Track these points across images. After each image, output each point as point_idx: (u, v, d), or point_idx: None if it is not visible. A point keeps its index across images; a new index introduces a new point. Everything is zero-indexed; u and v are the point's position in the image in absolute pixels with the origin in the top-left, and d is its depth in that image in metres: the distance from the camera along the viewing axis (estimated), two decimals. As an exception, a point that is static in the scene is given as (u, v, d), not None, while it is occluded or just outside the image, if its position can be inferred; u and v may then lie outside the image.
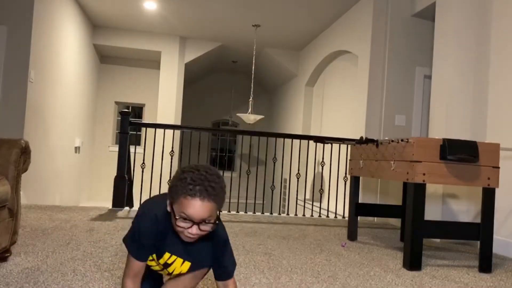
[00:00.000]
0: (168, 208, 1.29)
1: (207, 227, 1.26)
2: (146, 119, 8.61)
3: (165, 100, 7.70)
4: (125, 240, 1.38)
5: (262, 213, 4.81)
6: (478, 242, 2.63)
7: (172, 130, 4.96)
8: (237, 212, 4.75)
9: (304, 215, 4.86)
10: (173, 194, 1.25)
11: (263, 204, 9.33)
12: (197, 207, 1.21)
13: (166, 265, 1.40)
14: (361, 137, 3.33)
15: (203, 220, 1.24)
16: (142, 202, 1.36)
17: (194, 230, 1.24)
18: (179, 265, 1.40)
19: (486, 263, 2.57)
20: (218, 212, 1.29)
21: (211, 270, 1.46)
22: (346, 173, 4.68)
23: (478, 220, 2.66)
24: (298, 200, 7.32)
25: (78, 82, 6.82)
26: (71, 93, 6.45)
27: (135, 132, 7.92)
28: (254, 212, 4.81)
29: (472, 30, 3.67)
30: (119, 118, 4.73)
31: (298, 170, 4.90)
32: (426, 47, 4.98)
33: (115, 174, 4.38)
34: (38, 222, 3.24)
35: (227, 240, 1.43)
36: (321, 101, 7.52)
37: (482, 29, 3.63)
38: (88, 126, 7.79)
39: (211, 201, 1.22)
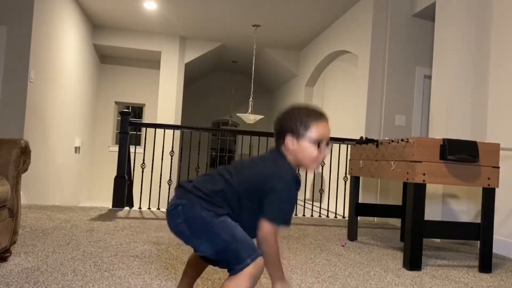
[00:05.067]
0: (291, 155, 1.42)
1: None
2: (146, 119, 8.61)
3: (165, 100, 7.70)
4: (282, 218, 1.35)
5: (262, 213, 4.80)
6: (478, 242, 2.63)
7: (172, 130, 4.96)
8: (237, 212, 4.74)
9: (304, 215, 4.86)
10: (304, 127, 1.38)
11: (263, 204, 9.31)
12: (328, 127, 1.42)
13: None
14: (361, 137, 3.33)
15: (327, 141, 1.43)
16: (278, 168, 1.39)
17: (326, 148, 1.42)
18: None
19: (486, 263, 2.57)
20: None
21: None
22: (346, 173, 4.68)
23: (478, 220, 2.66)
24: (298, 200, 7.31)
25: (78, 82, 6.82)
26: (71, 93, 6.45)
27: (135, 132, 7.93)
28: (254, 212, 4.81)
29: (472, 29, 3.67)
30: (119, 118, 4.73)
31: (298, 170, 4.90)
32: (426, 47, 4.98)
33: (115, 174, 4.38)
34: (38, 222, 3.24)
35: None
36: (321, 101, 7.52)
37: (482, 29, 3.63)
38: (88, 126, 7.79)
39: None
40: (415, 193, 2.51)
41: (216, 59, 9.26)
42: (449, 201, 3.71)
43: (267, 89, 11.01)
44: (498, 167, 2.59)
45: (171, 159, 4.66)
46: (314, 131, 1.37)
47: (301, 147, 1.38)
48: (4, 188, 1.97)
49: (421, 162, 2.49)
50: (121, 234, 2.96)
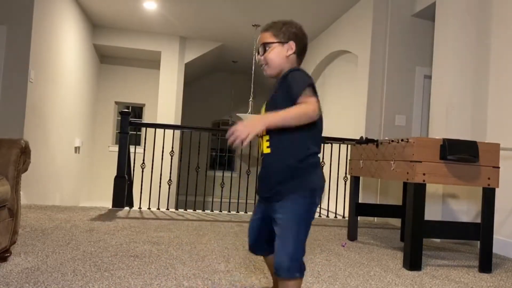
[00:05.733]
0: None
1: (267, 50, 1.55)
2: (146, 119, 8.61)
3: (165, 100, 7.70)
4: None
5: (262, 213, 4.81)
6: (478, 242, 2.63)
7: (172, 130, 4.96)
8: (237, 212, 4.74)
9: (304, 215, 4.85)
10: None
11: (263, 204, 9.32)
12: (258, 38, 1.58)
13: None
14: (361, 137, 3.33)
15: (262, 45, 1.56)
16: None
17: (258, 55, 1.58)
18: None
19: (486, 263, 2.57)
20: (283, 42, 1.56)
21: None
22: (346, 173, 4.68)
23: (478, 220, 2.66)
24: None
25: (78, 82, 6.82)
26: (71, 93, 6.45)
27: (135, 132, 7.93)
28: (254, 212, 4.81)
29: (472, 30, 3.67)
30: (119, 118, 4.73)
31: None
32: (426, 47, 4.98)
33: (115, 174, 4.38)
34: (38, 222, 3.24)
35: (295, 72, 1.52)
36: (321, 101, 7.48)
37: (482, 29, 3.64)
38: (88, 126, 7.79)
39: (264, 30, 1.57)
40: (415, 193, 2.51)
41: (216, 59, 9.26)
42: (449, 201, 3.71)
43: (267, 89, 11.01)
44: (498, 167, 2.59)
45: (171, 159, 4.66)
46: None
47: None
48: (4, 188, 1.97)
49: (421, 162, 2.49)
50: (121, 234, 2.96)
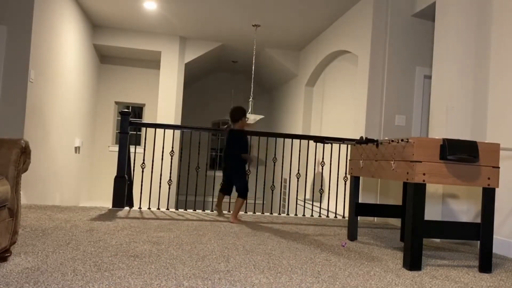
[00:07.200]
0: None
1: None
2: (146, 119, 8.61)
3: (165, 100, 7.70)
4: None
5: (262, 213, 4.81)
6: (478, 242, 2.63)
7: (172, 130, 4.96)
8: (237, 212, 4.74)
9: (304, 215, 4.86)
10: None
11: (263, 204, 9.34)
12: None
13: None
14: (361, 137, 3.33)
15: None
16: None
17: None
18: None
19: (486, 263, 2.57)
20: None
21: None
22: (346, 173, 4.68)
23: (478, 220, 2.66)
24: (298, 200, 7.32)
25: (78, 82, 6.82)
26: (71, 93, 6.45)
27: (135, 132, 7.93)
28: (254, 212, 4.81)
29: (472, 30, 3.67)
30: (119, 118, 4.73)
31: (298, 170, 4.90)
32: (426, 47, 4.98)
33: (115, 174, 4.38)
34: (38, 222, 3.24)
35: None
36: (321, 101, 7.52)
37: (482, 29, 3.64)
38: (88, 126, 7.79)
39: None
40: (415, 193, 2.51)
41: (216, 59, 9.26)
42: (449, 201, 3.71)
43: (267, 89, 11.02)
44: (498, 167, 2.59)
45: (171, 159, 4.66)
46: None
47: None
48: (4, 188, 1.97)
49: (421, 162, 2.49)
50: (121, 234, 2.96)
